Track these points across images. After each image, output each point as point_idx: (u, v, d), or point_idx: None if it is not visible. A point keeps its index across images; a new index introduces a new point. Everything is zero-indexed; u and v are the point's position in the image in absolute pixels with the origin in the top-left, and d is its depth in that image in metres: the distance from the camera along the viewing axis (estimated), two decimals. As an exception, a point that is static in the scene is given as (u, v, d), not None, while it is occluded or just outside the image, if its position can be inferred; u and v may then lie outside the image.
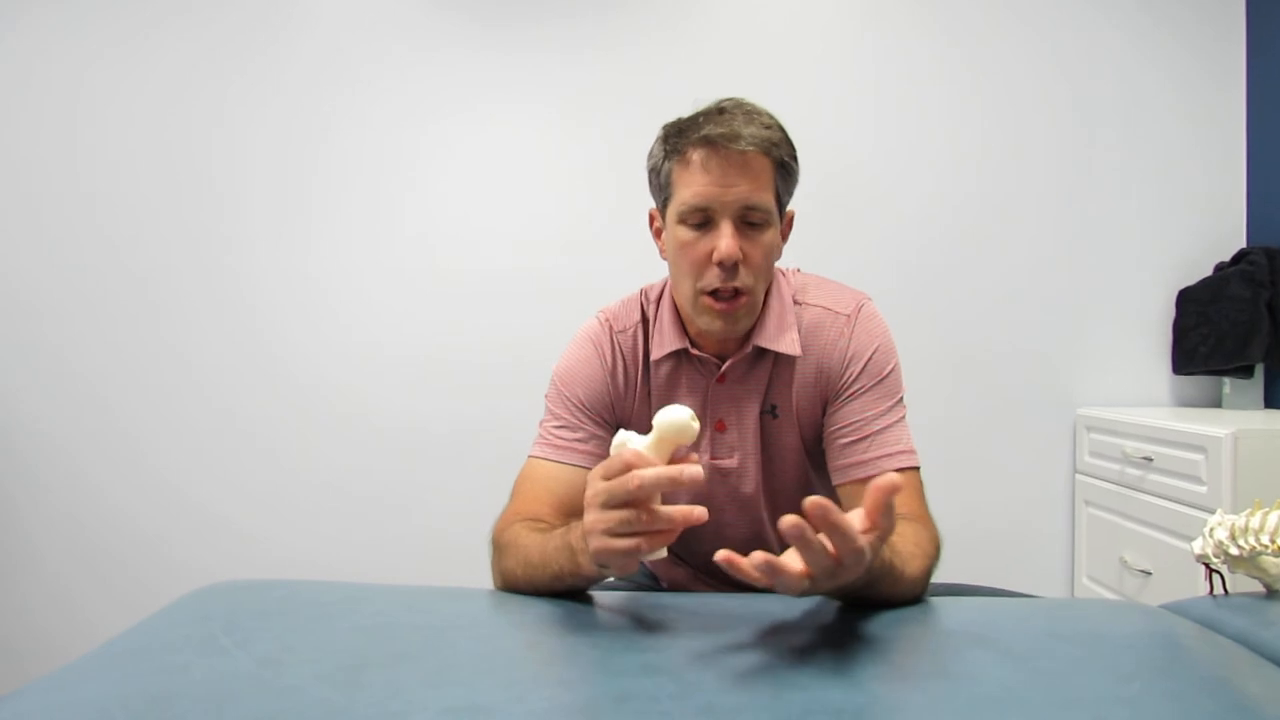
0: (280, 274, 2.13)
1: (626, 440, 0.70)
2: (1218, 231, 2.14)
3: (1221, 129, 2.14)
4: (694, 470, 0.64)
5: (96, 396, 2.11)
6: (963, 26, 2.13)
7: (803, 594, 0.64)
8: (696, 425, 0.68)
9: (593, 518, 0.67)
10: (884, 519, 0.63)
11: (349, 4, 2.12)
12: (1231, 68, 2.13)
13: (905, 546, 0.79)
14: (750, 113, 0.93)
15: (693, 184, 0.92)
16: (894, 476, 0.61)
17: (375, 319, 2.14)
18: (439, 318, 2.14)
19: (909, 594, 0.78)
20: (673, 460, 0.69)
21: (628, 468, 0.65)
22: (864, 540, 0.61)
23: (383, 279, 2.13)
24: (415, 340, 2.14)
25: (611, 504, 0.66)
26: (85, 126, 2.10)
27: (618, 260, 2.03)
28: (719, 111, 0.93)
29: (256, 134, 2.12)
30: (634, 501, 0.65)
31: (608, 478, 0.66)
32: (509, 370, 2.11)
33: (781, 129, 0.95)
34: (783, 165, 0.94)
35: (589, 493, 0.68)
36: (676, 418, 0.68)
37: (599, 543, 0.67)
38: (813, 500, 0.58)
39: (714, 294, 0.94)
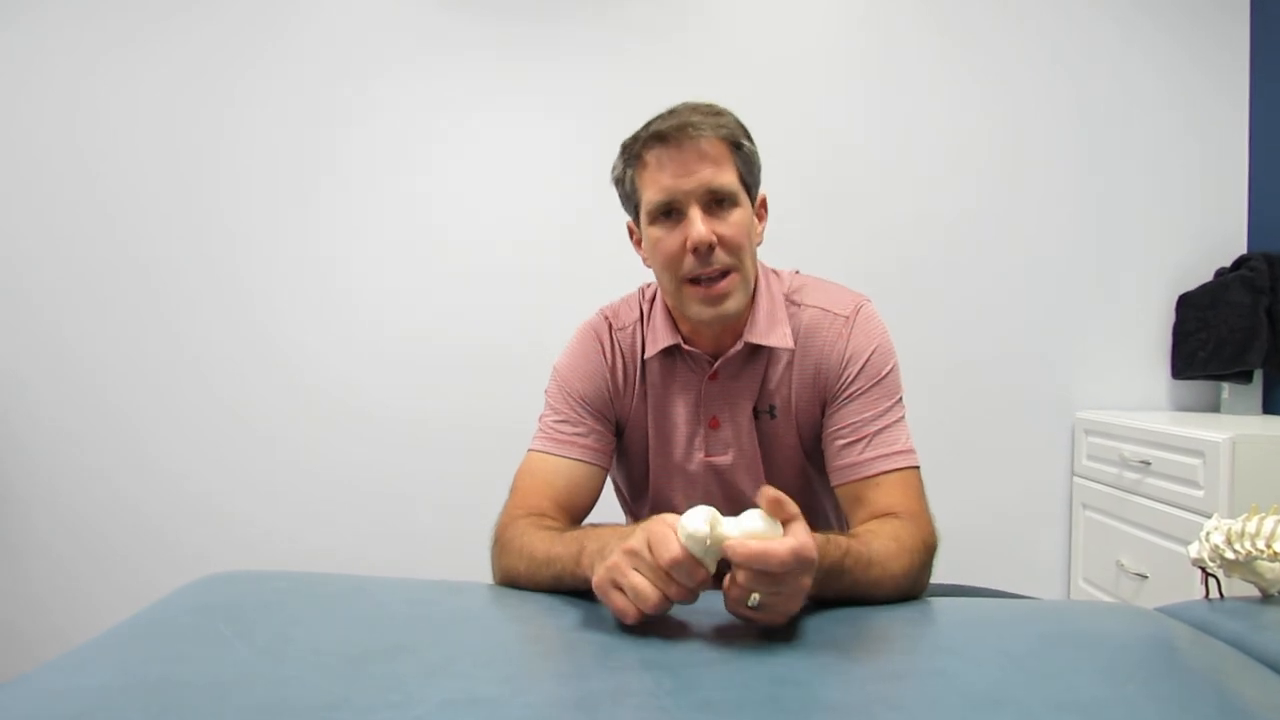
0: (284, 266, 2.12)
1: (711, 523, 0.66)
2: (1218, 237, 2.13)
3: (1223, 134, 2.14)
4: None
5: (100, 386, 2.11)
6: (962, 27, 2.13)
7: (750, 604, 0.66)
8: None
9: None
10: (780, 511, 0.66)
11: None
12: (1234, 72, 2.13)
13: (876, 542, 0.80)
14: (695, 106, 0.96)
15: (655, 182, 0.94)
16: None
17: (378, 311, 2.13)
18: (442, 310, 2.14)
19: (888, 587, 0.79)
20: None
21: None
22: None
23: (386, 271, 2.13)
24: (418, 333, 2.13)
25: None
26: (91, 118, 2.09)
27: (624, 258, 2.01)
28: (669, 113, 0.96)
29: (262, 126, 2.11)
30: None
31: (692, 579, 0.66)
32: (512, 364, 2.11)
33: (731, 114, 0.97)
34: (738, 146, 0.95)
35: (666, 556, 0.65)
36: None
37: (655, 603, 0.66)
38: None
39: (695, 281, 0.94)
